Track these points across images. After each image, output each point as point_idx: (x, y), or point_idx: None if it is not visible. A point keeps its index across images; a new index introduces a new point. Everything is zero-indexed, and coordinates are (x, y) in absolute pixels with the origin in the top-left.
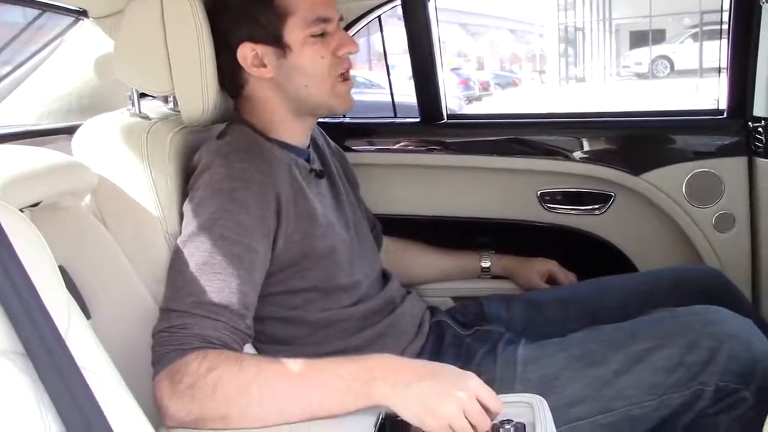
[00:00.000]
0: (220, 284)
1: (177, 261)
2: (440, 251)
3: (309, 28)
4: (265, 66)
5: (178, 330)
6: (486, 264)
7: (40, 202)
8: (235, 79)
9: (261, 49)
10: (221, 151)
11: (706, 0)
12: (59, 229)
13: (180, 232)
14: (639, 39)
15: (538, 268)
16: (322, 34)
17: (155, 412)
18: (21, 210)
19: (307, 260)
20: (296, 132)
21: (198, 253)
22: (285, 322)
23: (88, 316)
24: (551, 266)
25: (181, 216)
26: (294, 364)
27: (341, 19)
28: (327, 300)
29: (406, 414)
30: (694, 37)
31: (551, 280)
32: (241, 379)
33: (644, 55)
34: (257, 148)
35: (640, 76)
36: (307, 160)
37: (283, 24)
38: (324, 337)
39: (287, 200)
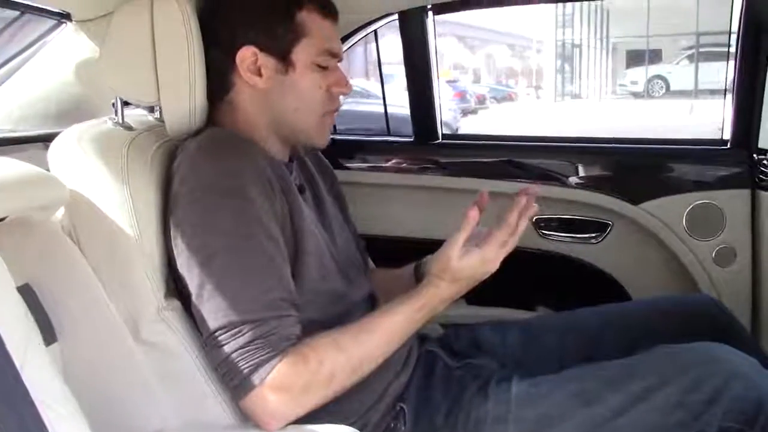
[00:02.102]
0: (271, 282)
1: (215, 274)
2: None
3: (318, 56)
4: (260, 75)
5: (260, 339)
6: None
7: (6, 217)
8: (224, 80)
9: (263, 58)
10: (203, 149)
11: (703, 21)
12: (26, 245)
13: (160, 252)
14: (635, 58)
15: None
16: (324, 67)
17: None
18: None
19: (300, 254)
20: (274, 147)
21: (235, 259)
22: None
23: (54, 337)
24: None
25: (161, 236)
26: (377, 323)
27: (340, 60)
28: (313, 309)
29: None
30: (690, 58)
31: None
32: (351, 360)
33: (640, 74)
34: (240, 141)
35: (636, 95)
36: (290, 174)
37: (296, 43)
38: None
39: (277, 188)
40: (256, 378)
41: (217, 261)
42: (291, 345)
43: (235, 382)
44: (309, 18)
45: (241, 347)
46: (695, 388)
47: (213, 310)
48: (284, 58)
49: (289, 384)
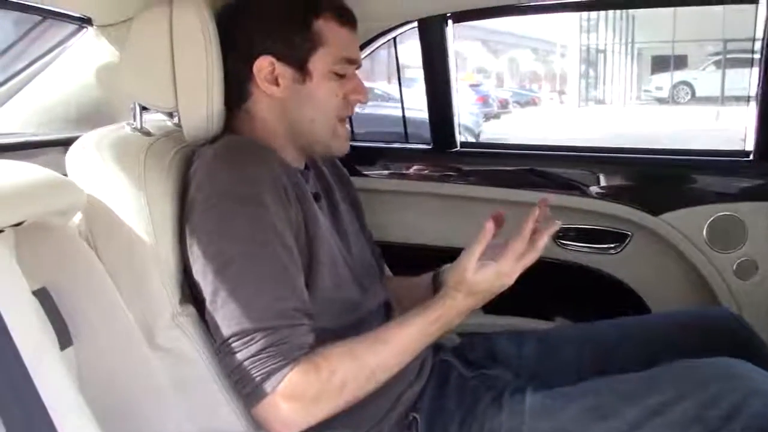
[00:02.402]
0: (284, 291)
1: (229, 281)
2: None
3: (335, 64)
4: (277, 84)
5: (272, 348)
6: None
7: (24, 221)
8: (241, 89)
9: (280, 67)
10: (220, 155)
11: (730, 27)
12: (44, 249)
13: (176, 259)
14: (660, 64)
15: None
16: (341, 75)
17: None
18: (2, 230)
19: (314, 263)
20: (291, 155)
21: (250, 267)
22: None
23: (69, 341)
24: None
25: (177, 242)
26: (391, 333)
27: (359, 66)
28: (327, 317)
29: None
30: (717, 64)
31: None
32: (364, 370)
33: (665, 80)
34: (253, 146)
35: (661, 100)
36: (306, 182)
37: (314, 52)
38: None
39: (293, 196)
40: (268, 386)
41: (231, 268)
42: (303, 354)
43: (247, 390)
44: (326, 26)
45: (253, 355)
46: (714, 403)
47: (226, 317)
48: (301, 68)
49: (300, 393)
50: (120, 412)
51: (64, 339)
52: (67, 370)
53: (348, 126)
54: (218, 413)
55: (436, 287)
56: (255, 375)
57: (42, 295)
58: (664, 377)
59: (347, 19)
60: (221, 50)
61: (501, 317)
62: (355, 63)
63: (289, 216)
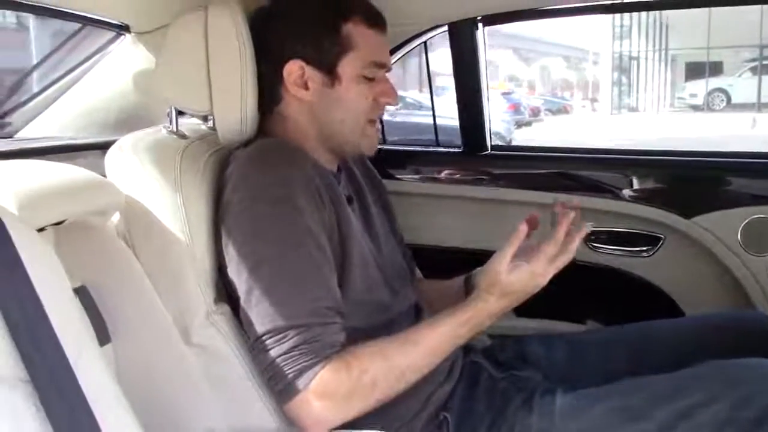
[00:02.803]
0: (318, 290)
1: (263, 280)
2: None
3: (364, 68)
4: (307, 88)
5: (305, 345)
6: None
7: (65, 220)
8: (273, 93)
9: (309, 71)
10: (254, 158)
11: (767, 33)
12: (83, 248)
13: (210, 258)
14: (695, 70)
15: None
16: (371, 78)
17: None
18: (44, 228)
19: (345, 267)
20: (323, 157)
21: (284, 267)
22: None
23: (108, 338)
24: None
25: (212, 242)
26: (422, 334)
27: (389, 69)
28: (357, 318)
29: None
30: (753, 70)
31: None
32: (395, 369)
33: (700, 87)
34: (286, 148)
35: (695, 108)
36: (338, 184)
37: (343, 56)
38: None
39: (327, 201)
40: (300, 383)
41: (265, 268)
42: (335, 352)
43: (279, 387)
44: (355, 30)
45: (286, 352)
46: (745, 405)
47: (260, 315)
48: (330, 72)
49: (332, 390)
50: (156, 408)
51: (103, 336)
52: (107, 365)
53: (378, 125)
54: (252, 410)
55: (468, 290)
56: (288, 372)
57: (81, 293)
58: (694, 378)
59: (376, 22)
60: (254, 55)
61: (532, 320)
62: (384, 67)
63: (323, 217)
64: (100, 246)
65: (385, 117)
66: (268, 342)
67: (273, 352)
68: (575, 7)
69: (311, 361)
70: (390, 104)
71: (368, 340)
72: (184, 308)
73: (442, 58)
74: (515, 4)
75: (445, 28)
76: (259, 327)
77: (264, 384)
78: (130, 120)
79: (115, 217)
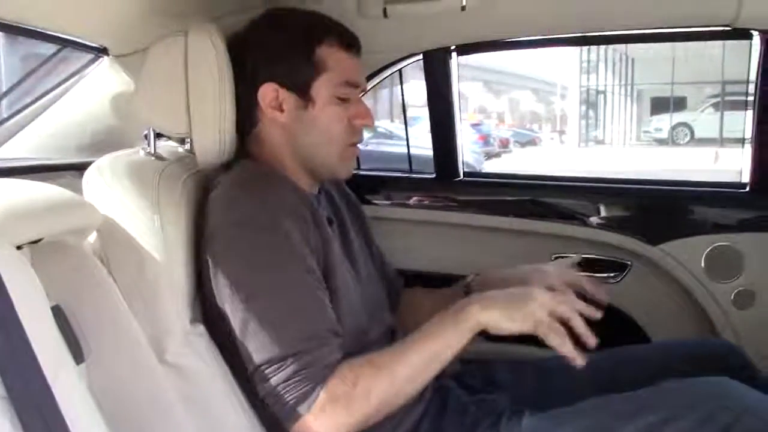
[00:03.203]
0: (313, 314)
1: (258, 311)
2: (429, 290)
3: (337, 89)
4: (282, 111)
5: (303, 372)
6: (470, 287)
7: (42, 239)
8: (250, 115)
9: (284, 94)
10: (237, 184)
11: (729, 70)
12: (59, 267)
13: (187, 278)
14: (660, 105)
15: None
16: (345, 99)
17: None
18: (21, 247)
19: (329, 287)
20: (302, 180)
21: (278, 295)
22: None
23: (81, 359)
24: (552, 280)
25: (189, 263)
26: (414, 342)
27: (364, 90)
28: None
29: (501, 325)
30: (716, 106)
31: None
32: (388, 377)
33: (665, 121)
34: (268, 174)
35: (660, 142)
36: (318, 206)
37: (316, 77)
38: None
39: (310, 221)
40: (302, 408)
41: (259, 298)
42: (331, 371)
43: (283, 413)
44: (328, 52)
45: (285, 380)
46: (707, 422)
47: (258, 345)
48: (304, 94)
49: (331, 408)
50: (130, 428)
51: (77, 356)
52: (83, 384)
53: (357, 151)
54: (226, 431)
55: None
56: (289, 399)
57: (56, 313)
58: (659, 396)
59: (350, 44)
60: (233, 78)
61: (500, 344)
62: (357, 86)
63: (310, 241)
64: (75, 265)
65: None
66: (267, 371)
67: (273, 381)
68: (545, 39)
69: (310, 386)
70: (366, 126)
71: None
72: (161, 328)
73: (411, 89)
74: (488, 35)
75: (420, 56)
76: (257, 356)
77: (239, 405)
78: (105, 142)
79: (92, 237)
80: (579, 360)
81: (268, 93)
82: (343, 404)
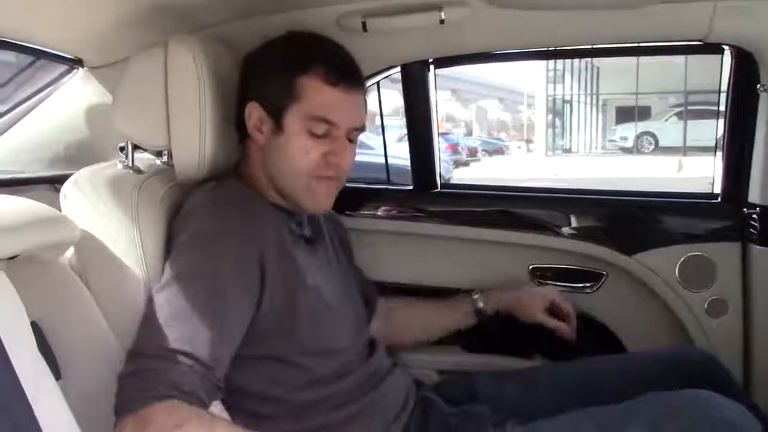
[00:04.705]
0: (192, 333)
1: (151, 305)
2: (429, 301)
3: (309, 122)
4: (261, 132)
5: (146, 374)
6: (479, 304)
7: (17, 255)
8: (241, 131)
9: (263, 116)
10: (209, 200)
11: (691, 81)
12: (36, 283)
13: None
14: (625, 114)
15: (540, 301)
16: (321, 135)
17: None
18: None
19: (292, 323)
20: (281, 200)
21: (173, 300)
22: (266, 399)
23: (58, 375)
24: (552, 296)
25: None
26: None
27: (361, 129)
28: (311, 370)
29: None
30: (679, 115)
31: (552, 312)
32: None
33: (630, 130)
34: (245, 202)
35: (625, 150)
36: (299, 225)
37: (290, 106)
38: (306, 414)
39: (271, 257)
40: (121, 408)
41: (162, 294)
42: (174, 395)
43: (115, 405)
44: (309, 83)
45: (130, 374)
46: None
47: (138, 333)
48: (278, 120)
49: (143, 430)
50: None
51: (55, 373)
52: (63, 400)
53: (332, 186)
54: None
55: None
56: (124, 393)
57: (34, 329)
58: (640, 409)
59: (339, 79)
60: (216, 91)
61: (480, 355)
62: (332, 125)
63: (248, 274)
64: (52, 281)
65: None
66: (128, 359)
67: (124, 369)
68: (518, 52)
69: (143, 392)
70: (338, 165)
71: (325, 386)
72: None
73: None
74: (466, 48)
75: (397, 69)
76: (131, 344)
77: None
78: (79, 155)
79: (69, 252)
80: None
81: (252, 112)
82: None
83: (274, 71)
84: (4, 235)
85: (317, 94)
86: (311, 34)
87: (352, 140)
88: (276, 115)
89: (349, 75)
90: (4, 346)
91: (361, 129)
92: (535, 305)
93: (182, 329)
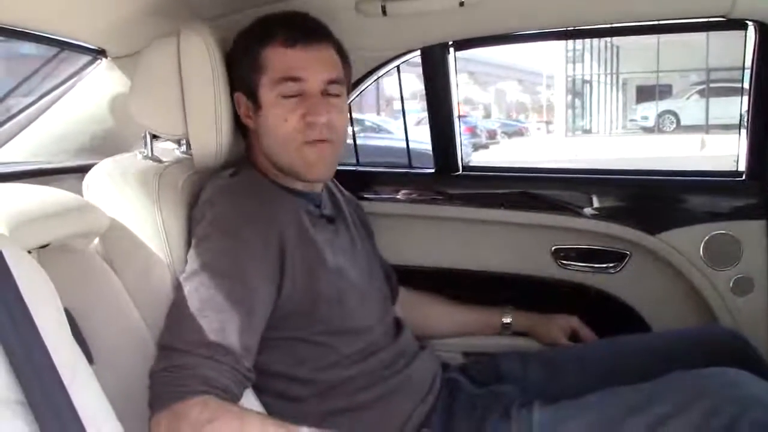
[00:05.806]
0: (221, 324)
1: (178, 298)
2: (457, 304)
3: (277, 86)
4: (250, 118)
5: (180, 370)
6: (507, 320)
7: (49, 243)
8: (239, 123)
9: (245, 101)
10: (227, 189)
11: (713, 58)
12: (67, 272)
13: None
14: (645, 93)
15: (560, 324)
16: (293, 96)
17: None
18: (29, 251)
19: (315, 304)
20: (295, 182)
21: (200, 291)
22: (293, 380)
23: (90, 361)
24: (573, 322)
25: None
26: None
27: (337, 81)
28: (337, 350)
29: None
30: (701, 93)
31: (572, 337)
32: None
33: (651, 109)
34: (263, 189)
35: (647, 130)
36: (318, 206)
37: (259, 80)
38: (333, 395)
39: (292, 243)
40: (165, 401)
41: (187, 286)
42: (207, 390)
43: (148, 399)
44: (270, 52)
45: (164, 369)
46: (715, 413)
47: (165, 327)
48: (255, 99)
49: (177, 425)
50: (138, 421)
51: (87, 359)
52: (98, 384)
53: (325, 149)
54: None
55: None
56: (158, 389)
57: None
58: (667, 388)
59: (297, 40)
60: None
61: (505, 337)
62: (301, 80)
63: (270, 262)
64: (82, 269)
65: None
66: (160, 354)
67: (156, 365)
68: (541, 32)
69: (177, 387)
70: (317, 122)
71: (350, 366)
72: None
73: (393, 82)
74: (486, 30)
75: (417, 52)
76: (160, 338)
77: (249, 401)
78: (104, 145)
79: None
80: None
81: (239, 102)
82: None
83: (241, 56)
84: (35, 224)
85: (279, 58)
86: (272, 13)
87: (333, 95)
88: (253, 95)
89: (307, 34)
90: (40, 333)
91: (337, 81)
92: (553, 331)
93: (210, 320)
